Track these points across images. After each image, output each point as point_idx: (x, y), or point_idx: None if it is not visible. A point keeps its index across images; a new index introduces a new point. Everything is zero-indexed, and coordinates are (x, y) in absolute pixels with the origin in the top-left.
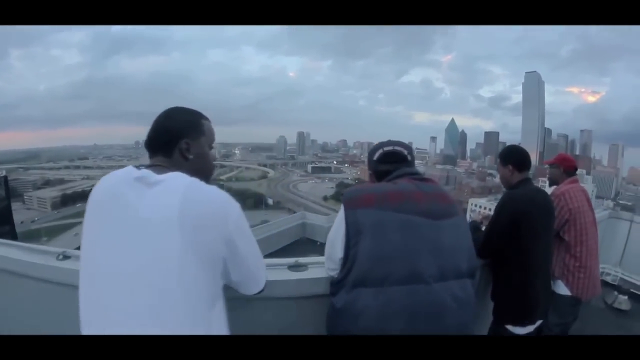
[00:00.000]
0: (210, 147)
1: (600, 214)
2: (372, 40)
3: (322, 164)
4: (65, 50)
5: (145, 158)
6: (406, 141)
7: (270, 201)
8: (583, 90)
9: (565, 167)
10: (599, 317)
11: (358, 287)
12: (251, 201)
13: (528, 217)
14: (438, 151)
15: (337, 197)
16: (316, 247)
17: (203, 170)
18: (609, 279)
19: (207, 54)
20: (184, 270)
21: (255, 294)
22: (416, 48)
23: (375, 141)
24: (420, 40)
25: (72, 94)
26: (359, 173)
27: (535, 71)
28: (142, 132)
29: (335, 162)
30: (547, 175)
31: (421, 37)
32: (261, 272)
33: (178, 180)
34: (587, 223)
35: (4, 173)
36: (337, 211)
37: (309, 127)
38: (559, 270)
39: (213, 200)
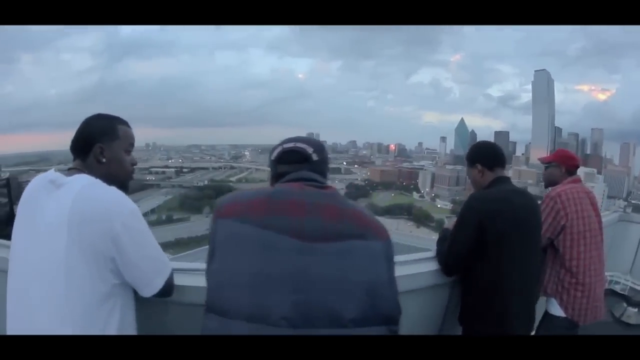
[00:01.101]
0: (128, 152)
1: (608, 217)
2: (381, 40)
3: (332, 165)
4: (75, 55)
5: (155, 159)
6: (416, 141)
7: None
8: (593, 88)
9: (567, 165)
10: (605, 331)
11: (209, 312)
12: None
13: (498, 221)
14: (448, 151)
15: (348, 197)
16: None
17: (117, 173)
18: (617, 288)
19: (216, 56)
20: (70, 268)
21: (158, 296)
22: (424, 48)
23: (385, 142)
24: (428, 40)
25: (83, 98)
26: (369, 174)
27: (544, 69)
28: (152, 134)
29: (345, 163)
30: (543, 176)
31: (429, 36)
32: (155, 275)
33: (77, 182)
34: (589, 231)
35: (7, 175)
36: None
37: (318, 128)
38: (552, 287)
39: (101, 199)
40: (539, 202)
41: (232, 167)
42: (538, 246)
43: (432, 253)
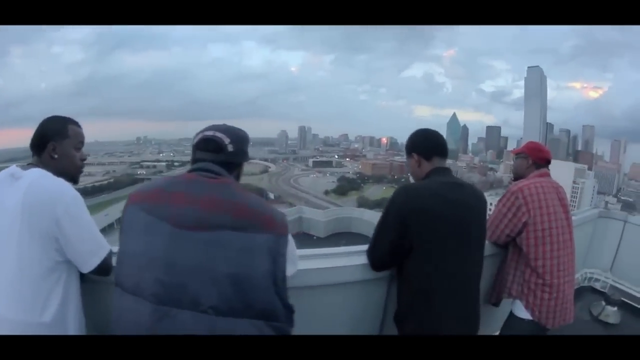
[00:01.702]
0: (77, 149)
1: (588, 212)
2: (374, 35)
3: (324, 158)
4: (66, 47)
5: (147, 153)
6: (408, 135)
7: (271, 195)
8: (585, 85)
9: (535, 158)
10: (582, 331)
11: (116, 286)
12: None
13: (424, 219)
14: None
15: (338, 191)
16: (312, 241)
17: (67, 167)
18: (597, 285)
19: (209, 49)
20: (21, 246)
21: (95, 274)
22: (418, 43)
23: (377, 135)
24: (422, 35)
25: (74, 91)
26: (360, 167)
27: (537, 66)
28: (143, 128)
29: (336, 156)
30: (512, 168)
31: (423, 32)
32: (91, 255)
33: (31, 174)
34: (555, 229)
35: None
36: (338, 205)
37: (310, 121)
38: (517, 288)
39: (48, 188)
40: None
41: None
42: (478, 245)
43: None
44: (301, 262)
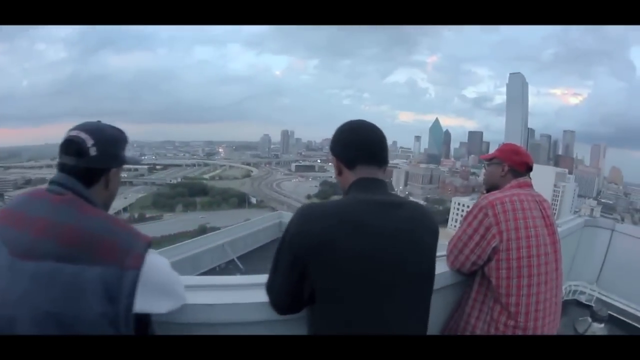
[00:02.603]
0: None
1: (573, 222)
2: (358, 40)
3: (306, 163)
4: (50, 45)
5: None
6: (391, 140)
7: (253, 200)
8: (566, 92)
9: (512, 164)
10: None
11: None
12: (234, 200)
13: (327, 253)
14: (422, 150)
15: (320, 195)
16: None
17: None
18: (582, 298)
19: (194, 51)
20: None
21: None
22: (401, 49)
23: None
24: (406, 40)
25: (56, 90)
26: None
27: (519, 72)
28: (125, 129)
29: (319, 161)
30: (483, 176)
31: (407, 37)
32: None
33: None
34: (537, 256)
35: None
36: None
37: (293, 125)
38: (482, 327)
39: None
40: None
41: (205, 164)
42: (420, 284)
43: None
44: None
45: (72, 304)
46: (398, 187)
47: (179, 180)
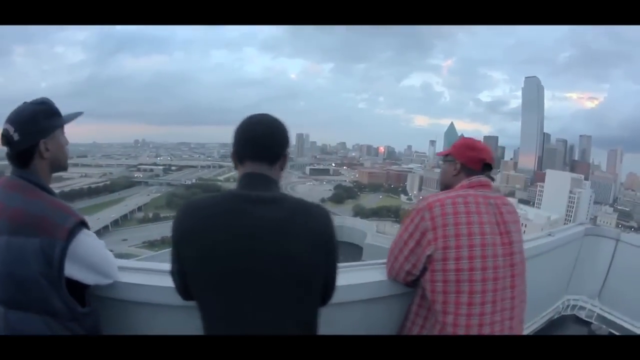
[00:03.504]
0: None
1: (570, 231)
2: (373, 44)
3: (321, 166)
4: (68, 48)
5: (144, 157)
6: (405, 144)
7: None
8: (582, 96)
9: (465, 160)
10: None
11: None
12: None
13: (195, 243)
14: (437, 154)
15: (335, 199)
16: None
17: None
18: (582, 314)
19: (210, 54)
20: None
21: None
22: (416, 53)
23: (375, 144)
24: (421, 44)
25: (74, 92)
26: (357, 175)
27: (535, 76)
28: (142, 130)
29: (334, 165)
30: (440, 176)
31: (422, 41)
32: None
33: None
34: (478, 271)
35: None
36: (335, 214)
37: (308, 129)
38: None
39: None
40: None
41: (220, 166)
42: (286, 282)
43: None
44: None
45: (21, 266)
46: (412, 191)
47: (194, 181)
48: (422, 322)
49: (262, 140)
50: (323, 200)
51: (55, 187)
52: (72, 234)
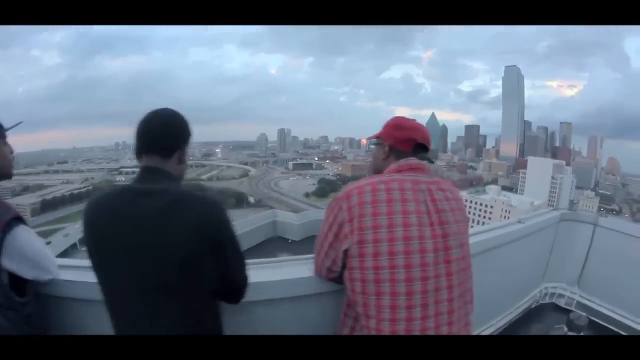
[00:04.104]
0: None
1: (545, 216)
2: (353, 37)
3: (304, 161)
4: (45, 51)
5: (125, 159)
6: None
7: (251, 199)
8: (561, 84)
9: (394, 142)
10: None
11: None
12: (233, 200)
13: (92, 231)
14: None
15: (319, 193)
16: (287, 245)
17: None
18: (561, 302)
19: (189, 52)
20: None
21: None
22: (397, 45)
23: (357, 136)
24: (401, 37)
25: (52, 96)
26: (340, 169)
27: (515, 65)
28: (122, 133)
29: (316, 159)
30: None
31: (402, 34)
32: None
33: None
34: (401, 268)
35: None
36: (319, 207)
37: (290, 124)
38: None
39: None
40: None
41: (203, 165)
42: (161, 277)
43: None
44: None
45: None
46: None
47: None
48: (352, 324)
49: (154, 134)
50: (307, 194)
51: (36, 195)
52: (8, 226)
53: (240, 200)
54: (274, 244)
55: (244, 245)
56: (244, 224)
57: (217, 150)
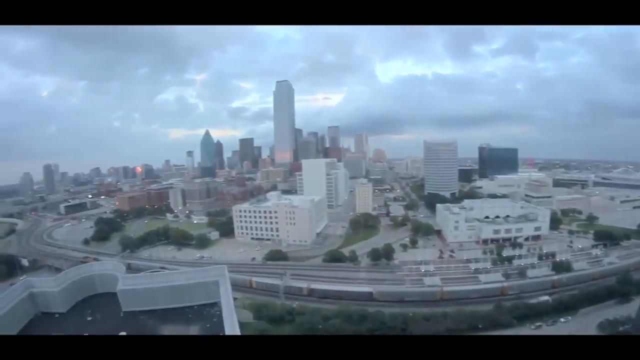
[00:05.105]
0: None
1: None
2: (128, 61)
3: (77, 201)
4: None
5: None
6: (163, 159)
7: (25, 262)
8: (325, 97)
9: None
10: None
11: None
12: (3, 269)
13: None
14: (196, 165)
15: (98, 237)
16: (55, 322)
17: None
18: None
19: None
20: None
21: None
22: (171, 69)
23: (131, 164)
24: (176, 61)
25: None
26: (117, 204)
27: (286, 80)
28: None
29: (90, 196)
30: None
31: (175, 58)
32: None
33: None
34: None
35: None
36: (103, 254)
37: (58, 157)
38: None
39: None
40: None
41: None
42: None
43: None
44: None
45: None
46: (177, 207)
47: None
48: None
49: None
50: (86, 241)
51: None
52: None
53: (13, 266)
54: (38, 327)
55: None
56: None
57: None
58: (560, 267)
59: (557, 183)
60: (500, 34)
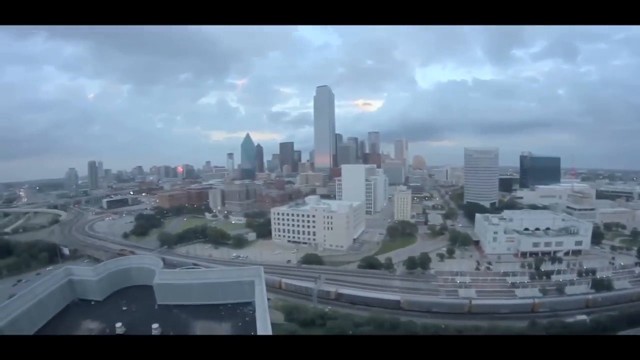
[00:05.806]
0: None
1: None
2: (171, 66)
3: (118, 197)
4: None
5: None
6: (204, 161)
7: (66, 251)
8: (365, 102)
9: None
10: None
11: None
12: (45, 255)
13: None
14: (236, 167)
15: (138, 231)
16: (91, 309)
17: None
18: None
19: (4, 70)
20: None
21: None
22: (213, 73)
23: (173, 164)
24: (217, 66)
25: None
26: (157, 201)
27: (326, 85)
28: None
29: (131, 192)
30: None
31: (218, 63)
32: None
33: None
34: None
35: None
36: (141, 247)
37: (102, 155)
38: None
39: None
40: None
41: (5, 215)
42: None
43: None
44: None
45: None
46: (216, 207)
47: None
48: None
49: None
50: (126, 235)
51: None
52: None
53: (54, 254)
54: (76, 311)
55: (36, 322)
56: (30, 294)
57: (21, 194)
58: (601, 285)
59: (601, 195)
60: (539, 36)
